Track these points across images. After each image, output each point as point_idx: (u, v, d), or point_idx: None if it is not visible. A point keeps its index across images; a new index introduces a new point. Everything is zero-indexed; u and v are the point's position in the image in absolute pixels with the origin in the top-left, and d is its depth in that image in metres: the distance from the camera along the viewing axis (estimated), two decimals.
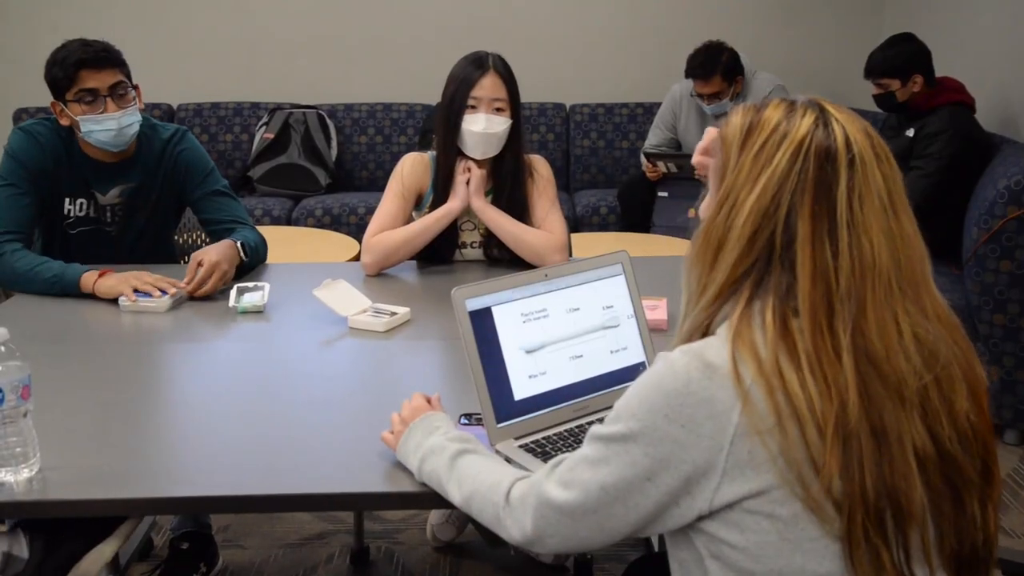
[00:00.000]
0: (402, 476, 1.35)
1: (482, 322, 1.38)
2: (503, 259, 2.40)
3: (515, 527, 1.14)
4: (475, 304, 1.38)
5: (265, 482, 1.35)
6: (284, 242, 3.40)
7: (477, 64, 2.30)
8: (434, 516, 2.53)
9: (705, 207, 1.14)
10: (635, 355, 1.52)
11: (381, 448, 1.45)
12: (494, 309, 1.40)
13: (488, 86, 2.28)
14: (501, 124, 2.30)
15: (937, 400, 1.01)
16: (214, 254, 2.16)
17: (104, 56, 2.22)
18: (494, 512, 1.16)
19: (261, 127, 4.95)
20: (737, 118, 1.09)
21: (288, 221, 4.57)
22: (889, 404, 0.98)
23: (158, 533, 2.55)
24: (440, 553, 2.52)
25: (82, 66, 2.19)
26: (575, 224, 4.61)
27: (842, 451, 0.96)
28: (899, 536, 0.98)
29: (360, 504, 1.93)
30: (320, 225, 4.52)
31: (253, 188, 4.85)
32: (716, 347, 1.02)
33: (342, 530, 2.62)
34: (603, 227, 4.62)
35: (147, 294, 2.08)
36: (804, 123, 1.03)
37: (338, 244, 3.65)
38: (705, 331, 1.08)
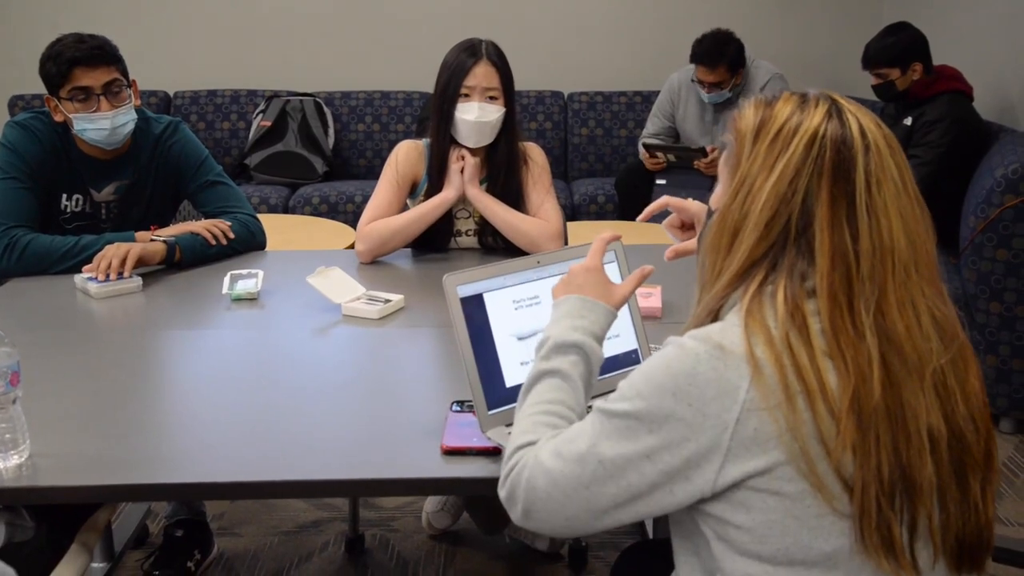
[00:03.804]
0: (396, 462, 1.35)
1: (473, 309, 1.38)
2: (498, 247, 2.39)
3: (504, 491, 1.13)
4: (466, 291, 1.38)
5: (259, 468, 1.35)
6: (280, 230, 3.39)
7: (470, 52, 2.28)
8: (429, 504, 2.53)
9: (717, 197, 1.15)
10: (627, 342, 1.51)
11: (375, 434, 1.45)
12: (486, 296, 1.39)
13: (481, 74, 2.27)
14: (494, 113, 2.29)
15: (953, 379, 1.03)
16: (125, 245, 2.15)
17: (98, 54, 2.18)
18: (504, 458, 1.16)
19: (258, 115, 4.93)
20: (750, 110, 1.11)
21: (285, 209, 4.56)
22: (908, 383, 1.00)
23: (153, 521, 2.56)
24: (435, 541, 2.52)
25: (75, 64, 2.15)
26: (573, 213, 4.60)
27: (857, 428, 0.97)
28: (908, 514, 1.00)
29: (354, 490, 1.93)
30: (317, 213, 4.51)
31: (250, 176, 4.84)
32: (725, 330, 1.04)
33: (337, 518, 2.62)
34: (601, 216, 4.61)
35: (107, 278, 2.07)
36: (818, 113, 1.06)
37: (334, 232, 3.64)
38: (715, 317, 1.10)
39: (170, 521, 2.38)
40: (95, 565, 2.20)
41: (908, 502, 0.99)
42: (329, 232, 3.65)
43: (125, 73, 2.25)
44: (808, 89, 1.11)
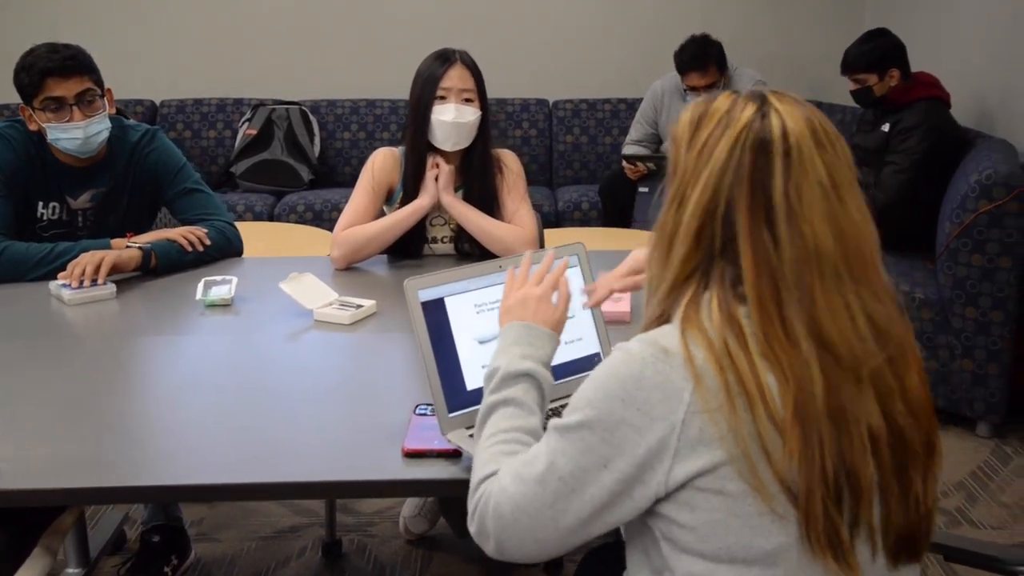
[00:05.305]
0: (359, 465, 1.37)
1: (435, 312, 1.40)
2: (474, 254, 2.40)
3: (474, 525, 1.13)
4: (428, 295, 1.40)
5: (224, 472, 1.36)
6: (263, 237, 3.40)
7: (443, 59, 2.31)
8: (406, 509, 2.54)
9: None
10: (590, 346, 1.53)
11: (341, 438, 1.47)
12: (447, 300, 1.41)
13: (456, 77, 2.29)
14: (471, 114, 2.31)
15: (891, 377, 1.03)
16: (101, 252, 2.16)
17: (71, 64, 2.19)
18: (470, 493, 1.16)
19: (244, 123, 4.94)
20: (686, 114, 1.11)
21: (270, 217, 4.57)
22: (847, 386, 1.00)
23: (131, 527, 2.56)
24: (412, 546, 2.53)
25: (48, 74, 2.17)
26: (557, 219, 4.62)
27: (802, 433, 0.98)
28: (851, 513, 1.01)
29: (311, 493, 1.94)
30: (302, 221, 4.52)
31: (235, 184, 4.84)
32: (670, 334, 1.05)
33: (315, 523, 2.63)
34: (585, 222, 4.63)
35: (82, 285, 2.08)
36: (744, 115, 1.05)
37: (318, 239, 3.65)
38: (664, 322, 1.10)
39: (147, 527, 2.38)
40: (71, 570, 2.21)
41: (852, 502, 1.00)
42: (313, 239, 3.66)
43: (99, 82, 2.26)
44: (751, 90, 1.10)
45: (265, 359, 1.81)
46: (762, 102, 1.06)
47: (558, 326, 1.31)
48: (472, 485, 1.16)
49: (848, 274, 1.02)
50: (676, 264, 1.07)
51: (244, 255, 2.48)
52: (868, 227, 1.05)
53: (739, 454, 0.99)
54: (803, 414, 0.98)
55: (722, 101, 1.08)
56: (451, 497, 2.06)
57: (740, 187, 1.03)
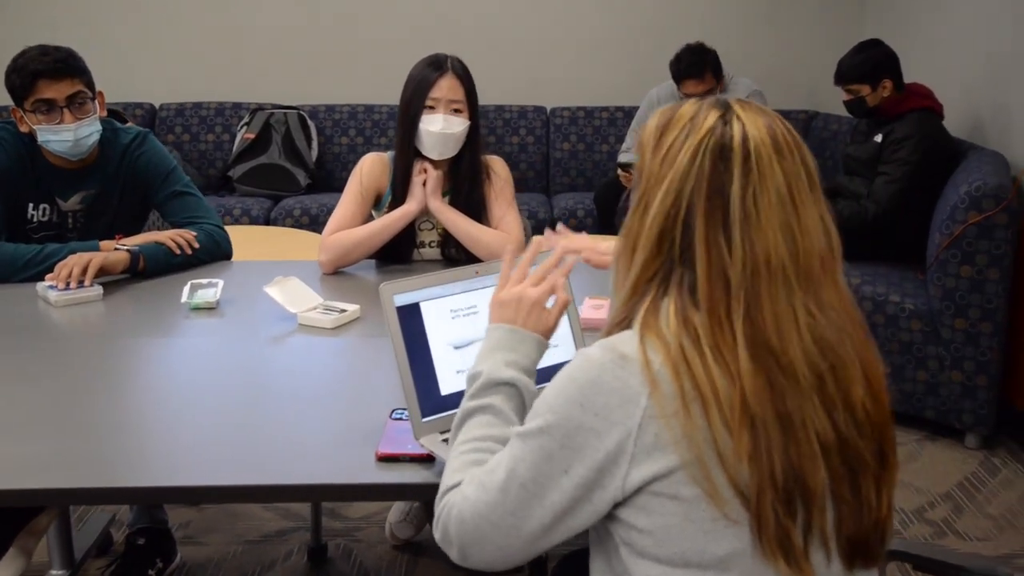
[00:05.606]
0: (332, 468, 1.38)
1: (410, 317, 1.40)
2: (461, 259, 2.41)
3: (439, 532, 1.14)
4: (403, 299, 1.40)
5: (213, 474, 1.36)
6: (256, 241, 3.41)
7: (435, 66, 2.32)
8: (392, 514, 2.55)
9: None
10: (566, 352, 1.53)
11: (317, 441, 1.47)
12: (422, 305, 1.42)
13: (446, 87, 2.30)
14: (459, 125, 2.32)
15: (833, 388, 1.03)
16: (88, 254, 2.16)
17: (62, 67, 2.20)
18: (437, 499, 1.16)
19: (242, 127, 4.96)
20: (653, 120, 1.12)
21: (267, 221, 4.58)
22: (792, 391, 1.01)
23: (118, 529, 2.57)
24: (398, 551, 2.54)
25: (39, 76, 2.18)
26: (552, 226, 4.61)
27: (751, 436, 0.99)
28: (803, 517, 1.01)
29: (298, 495, 1.94)
30: (298, 225, 4.53)
31: (233, 188, 4.86)
32: (629, 340, 1.06)
33: (303, 527, 2.64)
34: (579, 230, 4.56)
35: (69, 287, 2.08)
36: (707, 121, 1.06)
37: (311, 244, 3.65)
38: (627, 327, 1.11)
39: (132, 529, 2.39)
40: (55, 572, 2.22)
41: (804, 507, 1.01)
42: (308, 244, 3.66)
43: (90, 85, 2.28)
44: (716, 97, 1.12)
45: (248, 362, 1.82)
46: (725, 109, 1.07)
47: (548, 333, 1.29)
48: (439, 492, 1.16)
49: (797, 283, 1.03)
50: (637, 268, 1.08)
51: (238, 258, 2.50)
52: (824, 237, 1.06)
53: (692, 459, 1.00)
54: (751, 417, 0.99)
55: (688, 108, 1.09)
56: None
57: (699, 192, 1.04)
